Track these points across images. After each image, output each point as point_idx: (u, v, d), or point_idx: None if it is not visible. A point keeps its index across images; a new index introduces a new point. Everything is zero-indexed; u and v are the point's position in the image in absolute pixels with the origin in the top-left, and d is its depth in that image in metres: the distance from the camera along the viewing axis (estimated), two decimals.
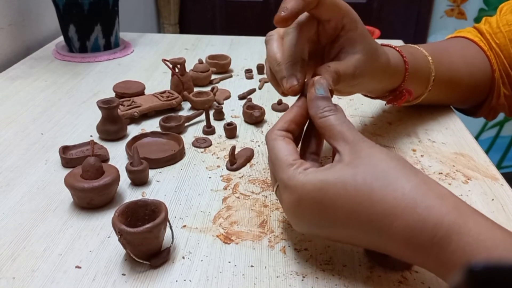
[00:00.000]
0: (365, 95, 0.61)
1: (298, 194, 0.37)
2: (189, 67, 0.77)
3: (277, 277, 0.40)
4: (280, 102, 0.71)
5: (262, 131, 0.65)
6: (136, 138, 0.60)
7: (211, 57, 0.86)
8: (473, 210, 0.34)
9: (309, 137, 0.43)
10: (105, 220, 0.46)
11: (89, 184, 0.46)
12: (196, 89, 0.74)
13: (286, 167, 0.38)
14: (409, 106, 0.66)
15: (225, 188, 0.52)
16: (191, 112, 0.68)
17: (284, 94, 0.44)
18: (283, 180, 0.38)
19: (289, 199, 0.37)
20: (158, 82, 0.80)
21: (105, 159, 0.56)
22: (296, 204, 0.37)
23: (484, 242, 0.31)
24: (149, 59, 0.92)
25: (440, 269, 0.33)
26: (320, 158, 0.44)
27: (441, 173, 0.55)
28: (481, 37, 0.69)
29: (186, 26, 1.99)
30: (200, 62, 0.79)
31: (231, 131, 0.62)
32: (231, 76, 0.84)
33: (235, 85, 0.80)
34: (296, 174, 0.37)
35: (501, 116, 0.74)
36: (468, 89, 0.66)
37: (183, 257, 0.42)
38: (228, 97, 0.75)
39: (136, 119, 0.66)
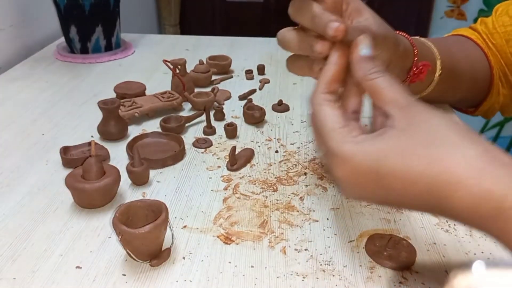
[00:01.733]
0: None
1: (350, 164, 0.34)
2: (189, 67, 0.77)
3: (278, 277, 0.40)
4: (280, 103, 0.71)
5: (262, 132, 0.65)
6: (137, 139, 0.60)
7: (212, 57, 0.86)
8: None
9: (349, 95, 0.41)
10: (105, 221, 0.46)
11: (89, 184, 0.46)
12: (196, 90, 0.74)
13: (334, 134, 0.36)
14: None
15: (225, 189, 0.52)
16: (191, 113, 0.68)
17: (321, 50, 0.40)
18: (333, 148, 0.35)
19: (340, 168, 0.35)
20: (159, 82, 0.81)
21: (106, 159, 0.56)
22: (348, 173, 0.35)
23: None
24: (149, 60, 0.92)
25: (504, 237, 0.31)
26: (361, 115, 0.41)
27: None
28: (478, 36, 0.69)
29: (186, 27, 1.99)
30: (201, 62, 0.79)
31: (231, 132, 0.62)
32: (231, 77, 0.84)
33: (235, 85, 0.80)
34: (345, 142, 0.35)
35: (501, 116, 0.74)
36: (469, 83, 0.66)
37: (184, 258, 0.42)
38: (228, 97, 0.75)
39: (137, 120, 0.66)
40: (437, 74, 0.58)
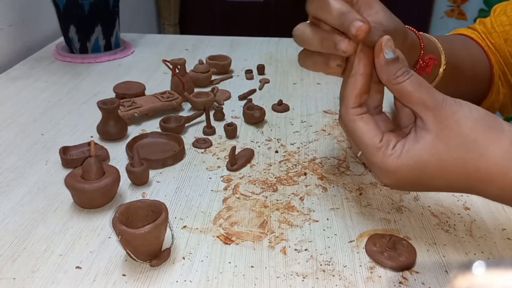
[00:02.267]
0: None
1: (395, 175, 0.38)
2: (189, 67, 0.77)
3: (278, 277, 0.40)
4: (280, 103, 0.71)
5: (262, 132, 0.65)
6: (137, 139, 0.60)
7: (211, 57, 0.86)
8: None
9: (371, 93, 0.42)
10: (105, 221, 0.46)
11: (89, 184, 0.46)
12: (196, 90, 0.74)
13: (375, 151, 0.38)
14: None
15: (225, 189, 0.52)
16: (191, 113, 0.68)
17: (347, 49, 0.40)
18: (376, 164, 0.39)
19: (386, 178, 0.39)
20: (159, 82, 0.80)
21: (105, 159, 0.56)
22: (394, 181, 0.39)
23: None
24: (149, 59, 0.92)
25: None
26: (381, 106, 0.43)
27: None
28: (478, 35, 0.69)
29: (186, 26, 1.99)
30: (201, 62, 0.79)
31: (231, 132, 0.62)
32: (231, 77, 0.84)
33: (235, 85, 0.80)
34: (388, 158, 0.38)
35: (501, 116, 0.74)
36: (471, 81, 0.66)
37: (184, 258, 0.42)
38: (228, 97, 0.75)
39: (137, 120, 0.66)
40: (441, 69, 0.58)
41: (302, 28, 0.43)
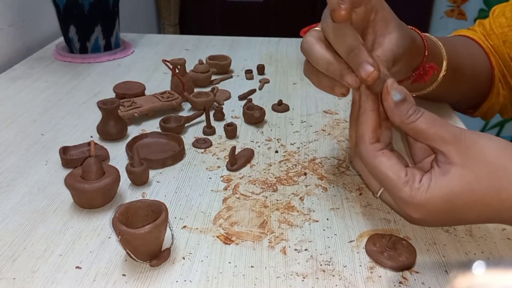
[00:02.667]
0: None
1: (425, 210, 0.38)
2: (189, 67, 0.77)
3: (278, 277, 0.40)
4: (280, 103, 0.71)
5: (262, 132, 0.65)
6: (136, 139, 0.60)
7: (211, 57, 0.86)
8: None
9: (381, 128, 0.42)
10: (105, 221, 0.46)
11: (89, 184, 0.46)
12: (196, 90, 0.74)
13: (402, 185, 0.38)
14: None
15: (225, 189, 0.52)
16: (191, 113, 0.68)
17: (352, 84, 0.40)
18: (404, 199, 0.38)
19: (415, 213, 0.38)
20: (159, 82, 0.80)
21: (105, 159, 0.56)
22: (423, 216, 0.38)
23: None
24: (149, 59, 0.92)
25: None
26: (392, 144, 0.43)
27: None
28: (480, 36, 0.69)
29: (186, 26, 1.99)
30: (200, 62, 0.79)
31: (231, 132, 0.62)
32: (231, 77, 0.84)
33: (235, 85, 0.80)
34: (416, 192, 0.37)
35: (500, 117, 0.74)
36: (471, 83, 0.66)
37: (183, 258, 0.42)
38: (228, 97, 0.75)
39: (136, 120, 0.66)
40: (441, 75, 0.58)
41: (311, 43, 0.43)
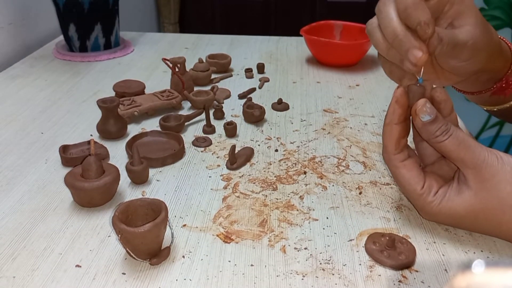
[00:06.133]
0: (465, 93, 0.55)
1: (432, 219, 0.44)
2: (189, 66, 0.77)
3: (277, 276, 0.40)
4: (280, 102, 0.71)
5: (262, 130, 0.65)
6: (136, 137, 0.60)
7: (211, 56, 0.86)
8: None
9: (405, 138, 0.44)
10: (105, 219, 0.46)
11: (89, 183, 0.46)
12: (196, 88, 0.74)
13: (417, 197, 0.42)
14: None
15: (225, 187, 0.52)
16: (191, 112, 0.68)
17: (413, 66, 0.40)
18: (422, 207, 0.42)
19: (425, 217, 0.44)
20: (158, 81, 0.80)
21: (105, 158, 0.56)
22: (437, 220, 0.44)
23: None
24: (149, 58, 0.92)
25: None
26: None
27: None
28: None
29: (186, 25, 1.99)
30: (200, 61, 0.79)
31: (231, 130, 0.62)
32: (231, 75, 0.84)
33: (235, 84, 0.80)
34: (428, 204, 0.41)
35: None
36: None
37: (183, 256, 0.42)
38: (228, 96, 0.75)
39: (136, 118, 0.66)
40: None
41: (375, 25, 0.42)
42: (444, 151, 0.40)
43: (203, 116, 0.65)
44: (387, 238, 0.42)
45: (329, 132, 0.64)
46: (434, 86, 0.44)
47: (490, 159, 0.39)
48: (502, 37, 0.52)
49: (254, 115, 0.65)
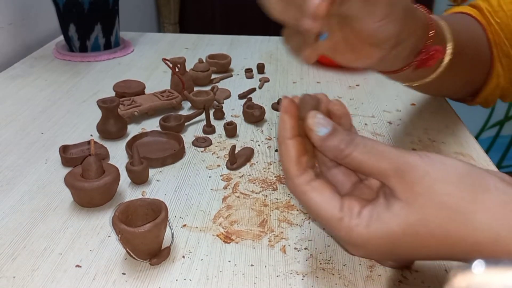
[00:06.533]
0: (388, 73, 0.51)
1: (365, 250, 0.34)
2: (189, 66, 0.77)
3: (277, 276, 0.40)
4: (280, 102, 0.71)
5: (262, 131, 0.65)
6: (136, 138, 0.60)
7: (211, 56, 0.86)
8: None
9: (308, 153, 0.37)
10: (105, 220, 0.46)
11: (89, 183, 0.46)
12: (196, 89, 0.74)
13: (337, 223, 0.33)
14: (409, 105, 0.66)
15: (225, 188, 0.52)
16: (191, 112, 0.68)
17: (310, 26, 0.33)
18: (343, 237, 0.33)
19: (356, 251, 0.34)
20: (158, 81, 0.80)
21: (105, 158, 0.56)
22: (365, 256, 0.36)
23: None
24: (149, 58, 0.92)
25: None
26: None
27: None
28: (478, 13, 0.64)
29: (186, 25, 1.99)
30: (200, 61, 0.79)
31: (231, 131, 0.62)
32: (231, 76, 0.84)
33: (235, 84, 0.80)
34: (355, 228, 0.32)
35: (501, 115, 0.74)
36: (472, 68, 0.61)
37: (183, 256, 0.42)
38: (228, 96, 0.75)
39: (136, 119, 0.66)
40: (447, 59, 0.52)
41: None
42: (356, 165, 0.33)
43: (203, 116, 0.65)
44: None
45: None
46: (335, 99, 0.39)
47: (412, 159, 0.31)
48: (418, 5, 0.48)
49: (254, 115, 0.65)
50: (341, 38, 0.42)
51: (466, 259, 0.32)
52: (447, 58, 0.52)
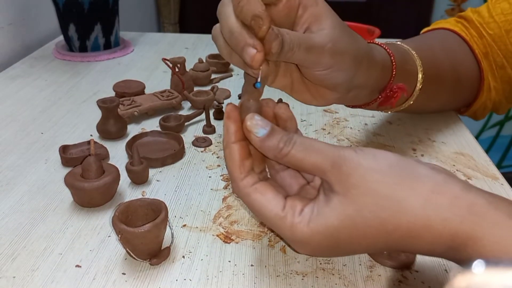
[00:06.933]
0: (353, 107, 0.53)
1: (309, 247, 0.34)
2: (189, 66, 0.77)
3: (277, 276, 0.40)
4: (280, 101, 0.71)
5: None
6: (136, 138, 0.60)
7: (211, 56, 0.86)
8: (489, 205, 0.31)
9: (252, 156, 0.37)
10: (105, 220, 0.46)
11: (89, 183, 0.46)
12: (196, 89, 0.74)
13: (280, 221, 0.34)
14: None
15: (225, 188, 0.52)
16: (191, 112, 0.68)
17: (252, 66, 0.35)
18: (287, 236, 0.34)
19: (301, 249, 0.35)
20: (158, 81, 0.80)
21: (105, 158, 0.56)
22: (310, 253, 0.36)
23: (498, 243, 0.30)
24: (149, 58, 0.92)
25: (462, 265, 0.32)
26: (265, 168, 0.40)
27: None
28: (462, 27, 0.64)
29: (186, 25, 1.99)
30: (200, 61, 0.79)
31: None
32: (231, 76, 0.84)
33: (235, 84, 0.80)
34: (297, 226, 0.33)
35: (501, 115, 0.73)
36: (452, 88, 0.61)
37: (183, 257, 0.42)
38: (228, 96, 0.75)
39: (136, 119, 0.66)
40: (417, 88, 0.53)
41: (218, 30, 0.38)
42: (295, 163, 0.34)
43: (203, 116, 0.65)
44: None
45: (329, 132, 0.64)
46: (280, 102, 0.40)
47: (347, 153, 0.33)
48: (381, 44, 0.49)
49: None
50: (298, 78, 0.43)
51: (404, 248, 0.33)
52: (417, 88, 0.53)
